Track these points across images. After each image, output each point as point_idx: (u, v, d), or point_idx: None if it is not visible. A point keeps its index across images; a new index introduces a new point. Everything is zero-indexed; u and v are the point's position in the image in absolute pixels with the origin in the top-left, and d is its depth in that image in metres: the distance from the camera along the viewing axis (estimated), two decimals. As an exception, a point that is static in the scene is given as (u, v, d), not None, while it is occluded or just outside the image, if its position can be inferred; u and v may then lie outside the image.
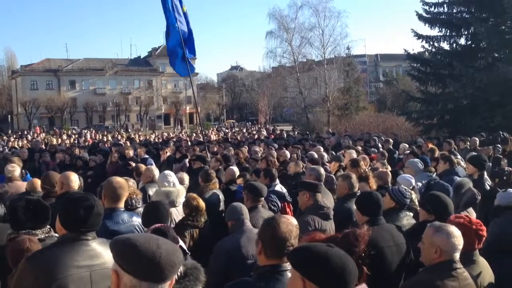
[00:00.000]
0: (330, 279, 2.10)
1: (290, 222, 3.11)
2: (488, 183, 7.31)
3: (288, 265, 2.90)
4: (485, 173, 7.58)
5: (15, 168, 7.22)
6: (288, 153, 11.06)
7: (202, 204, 5.33)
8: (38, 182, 6.32)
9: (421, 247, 3.47)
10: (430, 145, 11.43)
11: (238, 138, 23.66)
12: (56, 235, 3.52)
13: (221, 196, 6.59)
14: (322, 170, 6.93)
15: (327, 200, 5.75)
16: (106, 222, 4.01)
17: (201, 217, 5.26)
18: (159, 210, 4.36)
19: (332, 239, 2.69)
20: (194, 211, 5.26)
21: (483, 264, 3.73)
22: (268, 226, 3.07)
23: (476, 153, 9.29)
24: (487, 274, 3.70)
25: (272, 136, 23.50)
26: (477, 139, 12.54)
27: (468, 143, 12.65)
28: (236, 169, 7.92)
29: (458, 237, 3.30)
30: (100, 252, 2.84)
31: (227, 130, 39.35)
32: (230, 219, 4.66)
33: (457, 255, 3.31)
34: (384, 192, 5.24)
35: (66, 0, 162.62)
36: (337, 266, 2.12)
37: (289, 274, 2.82)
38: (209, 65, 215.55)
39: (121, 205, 4.38)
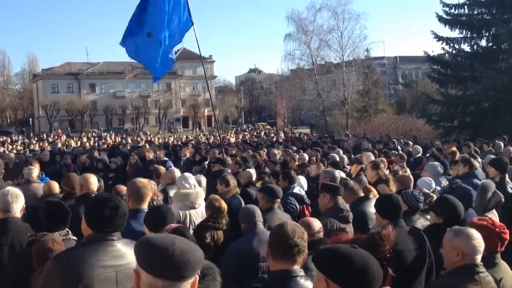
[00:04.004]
0: (352, 279, 2.11)
1: (297, 224, 3.12)
2: (510, 186, 7.23)
3: (299, 271, 2.91)
4: (507, 176, 7.49)
5: (32, 170, 7.31)
6: (306, 156, 11.06)
7: (224, 205, 5.35)
8: (55, 184, 6.39)
9: (442, 253, 3.45)
10: (452, 148, 11.31)
11: (257, 140, 23.68)
12: (74, 237, 3.58)
13: (242, 201, 6.59)
14: (336, 173, 6.94)
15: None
16: (131, 223, 4.05)
17: (222, 219, 5.28)
18: (166, 213, 4.20)
19: (358, 240, 2.70)
20: (216, 212, 5.28)
21: (504, 267, 3.71)
22: (275, 227, 3.11)
23: (497, 156, 9.19)
24: (509, 277, 3.67)
25: (289, 139, 23.48)
26: (501, 143, 12.37)
27: (491, 145, 12.51)
28: (253, 171, 7.92)
29: (478, 239, 3.30)
30: (125, 252, 2.88)
31: (245, 133, 39.41)
32: (243, 221, 4.68)
33: (478, 258, 3.29)
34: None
35: (86, 3, 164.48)
36: (359, 266, 2.11)
37: (299, 280, 2.85)
38: (227, 68, 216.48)
39: (145, 206, 4.41)
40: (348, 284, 2.11)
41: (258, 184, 7.36)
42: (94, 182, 5.29)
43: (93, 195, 5.00)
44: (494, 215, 5.37)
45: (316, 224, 3.98)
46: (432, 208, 4.66)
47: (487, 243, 3.34)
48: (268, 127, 56.62)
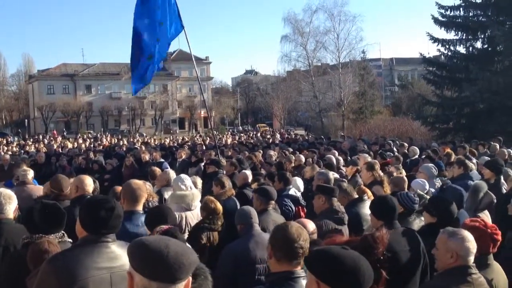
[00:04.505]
0: (343, 280, 2.11)
1: (300, 226, 3.13)
2: (505, 187, 7.26)
3: (301, 272, 2.91)
4: (502, 178, 7.52)
5: (27, 172, 7.27)
6: (303, 158, 11.07)
7: (219, 207, 5.36)
8: None
9: (435, 253, 3.46)
10: (447, 150, 11.34)
11: (253, 142, 23.68)
12: (70, 240, 3.56)
13: (237, 202, 6.57)
14: (330, 175, 6.95)
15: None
16: (126, 225, 4.02)
17: (218, 220, 5.29)
18: (166, 214, 4.27)
19: (351, 242, 2.71)
20: (212, 214, 5.29)
21: (497, 268, 3.74)
22: (278, 229, 3.10)
23: (492, 157, 9.23)
24: (501, 278, 3.70)
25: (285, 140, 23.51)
26: (497, 144, 12.41)
27: (487, 146, 12.56)
28: (248, 173, 7.91)
29: (472, 241, 3.32)
30: (120, 254, 2.86)
31: (241, 134, 39.42)
32: (239, 223, 4.67)
33: (471, 259, 3.31)
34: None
35: (82, 5, 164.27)
36: (350, 267, 2.12)
37: (302, 281, 2.84)
38: (224, 69, 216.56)
39: (140, 207, 4.39)
40: (339, 285, 2.12)
41: (254, 186, 7.35)
42: (89, 183, 5.27)
43: (88, 196, 4.99)
44: (486, 216, 5.41)
45: (310, 225, 4.00)
46: (426, 208, 4.69)
47: (479, 244, 3.36)
48: (267, 128, 56.38)
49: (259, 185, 6.81)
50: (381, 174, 7.45)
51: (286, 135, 32.58)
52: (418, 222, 4.97)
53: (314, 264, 2.23)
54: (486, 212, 5.64)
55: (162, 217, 4.13)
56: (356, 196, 5.84)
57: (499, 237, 3.70)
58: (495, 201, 5.90)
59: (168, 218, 4.13)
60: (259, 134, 36.13)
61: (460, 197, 5.85)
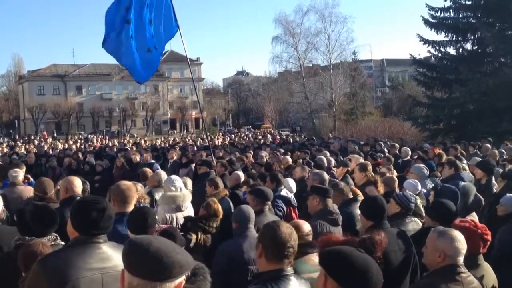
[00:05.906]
0: (350, 279, 2.20)
1: (289, 226, 3.15)
2: (495, 188, 7.30)
3: (291, 270, 2.97)
4: (493, 178, 7.56)
5: (18, 173, 7.22)
6: (289, 158, 11.07)
7: (220, 211, 5.36)
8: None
9: (424, 252, 3.48)
10: (437, 151, 11.38)
11: (244, 143, 23.66)
12: (62, 243, 3.53)
13: (231, 203, 6.53)
14: (325, 175, 6.94)
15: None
16: (117, 227, 3.98)
17: (213, 223, 5.28)
18: (146, 215, 4.02)
19: (348, 242, 2.74)
20: (212, 215, 5.28)
21: (487, 268, 3.76)
22: (268, 228, 3.11)
23: (483, 158, 9.28)
24: (491, 278, 3.72)
25: (277, 142, 23.50)
26: (488, 145, 12.48)
27: (477, 147, 12.63)
28: (241, 174, 7.90)
29: (461, 241, 3.32)
30: (111, 255, 2.86)
31: (233, 135, 39.38)
32: (236, 221, 4.66)
33: (460, 259, 3.32)
34: (389, 197, 5.24)
35: (73, 5, 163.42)
36: (359, 268, 2.21)
37: (292, 278, 2.90)
38: (215, 70, 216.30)
39: (131, 208, 4.34)
40: (344, 282, 2.21)
41: (244, 189, 7.30)
42: (78, 184, 5.23)
43: (78, 198, 4.95)
44: (473, 218, 5.43)
45: (305, 226, 3.97)
46: (427, 211, 4.69)
47: (469, 244, 3.37)
48: (271, 130, 55.63)
49: (249, 187, 6.79)
50: (373, 174, 7.46)
51: (278, 137, 32.60)
52: (413, 224, 4.98)
53: (326, 258, 2.35)
54: (474, 214, 5.65)
55: (140, 220, 3.91)
56: (351, 196, 5.84)
57: (489, 237, 3.73)
58: (483, 203, 5.94)
59: (149, 219, 3.91)
60: (250, 135, 36.10)
61: (456, 196, 5.86)
